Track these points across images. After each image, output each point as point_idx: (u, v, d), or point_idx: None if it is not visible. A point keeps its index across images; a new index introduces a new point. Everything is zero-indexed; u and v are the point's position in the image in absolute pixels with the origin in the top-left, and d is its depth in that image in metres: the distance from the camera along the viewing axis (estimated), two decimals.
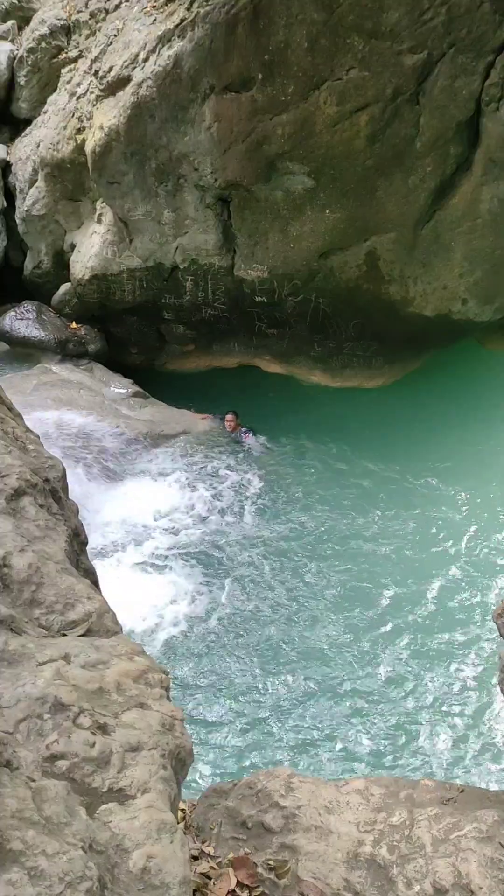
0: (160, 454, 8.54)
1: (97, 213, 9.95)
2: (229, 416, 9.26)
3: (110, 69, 8.95)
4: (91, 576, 2.44)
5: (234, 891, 1.88)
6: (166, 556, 6.91)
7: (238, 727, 5.19)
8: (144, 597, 6.30)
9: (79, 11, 10.54)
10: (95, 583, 2.41)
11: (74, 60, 10.51)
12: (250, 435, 9.19)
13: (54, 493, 2.33)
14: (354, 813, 2.05)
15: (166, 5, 8.44)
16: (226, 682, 5.58)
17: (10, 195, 11.35)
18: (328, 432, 9.22)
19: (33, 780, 1.23)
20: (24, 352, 10.27)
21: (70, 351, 10.24)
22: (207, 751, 4.96)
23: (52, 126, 10.19)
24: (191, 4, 7.94)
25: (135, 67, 8.53)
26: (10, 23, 11.84)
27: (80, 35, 10.54)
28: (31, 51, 10.92)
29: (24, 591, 1.78)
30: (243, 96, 7.80)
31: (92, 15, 10.29)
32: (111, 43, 9.22)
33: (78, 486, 7.14)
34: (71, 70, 10.48)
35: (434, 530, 7.31)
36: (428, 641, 5.92)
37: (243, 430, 9.26)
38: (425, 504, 7.75)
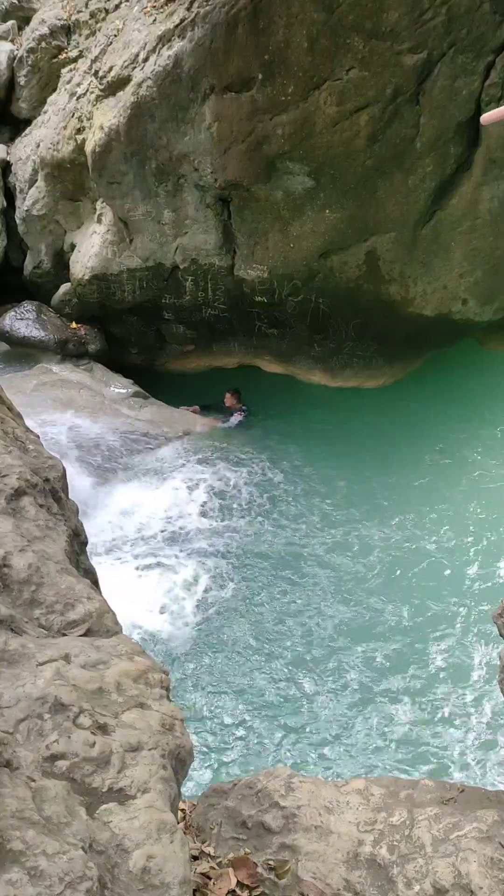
0: (160, 454, 8.54)
1: (97, 213, 9.95)
2: (228, 394, 9.66)
3: (110, 69, 8.95)
4: (91, 576, 2.44)
5: (234, 891, 1.88)
6: (165, 557, 6.91)
7: (238, 727, 5.19)
8: (144, 596, 6.30)
9: (79, 11, 10.54)
10: (95, 583, 2.41)
11: (74, 60, 10.52)
12: (241, 415, 9.49)
13: (54, 493, 2.33)
14: (354, 813, 2.05)
15: (166, 5, 8.45)
16: (226, 681, 5.58)
17: (10, 195, 11.35)
18: (328, 432, 9.23)
19: (33, 780, 1.23)
20: (24, 352, 10.27)
21: (70, 351, 10.24)
22: (207, 751, 4.96)
23: (52, 126, 10.20)
24: (191, 4, 7.95)
25: (135, 67, 8.54)
26: (10, 23, 11.84)
27: (80, 35, 10.55)
28: (31, 51, 10.92)
29: (24, 591, 1.78)
30: (243, 96, 7.81)
31: (92, 15, 10.30)
32: (111, 43, 9.23)
33: (78, 486, 7.15)
34: (71, 70, 10.49)
35: (435, 530, 7.31)
36: (428, 642, 5.91)
37: (242, 407, 9.63)
38: (425, 503, 7.75)
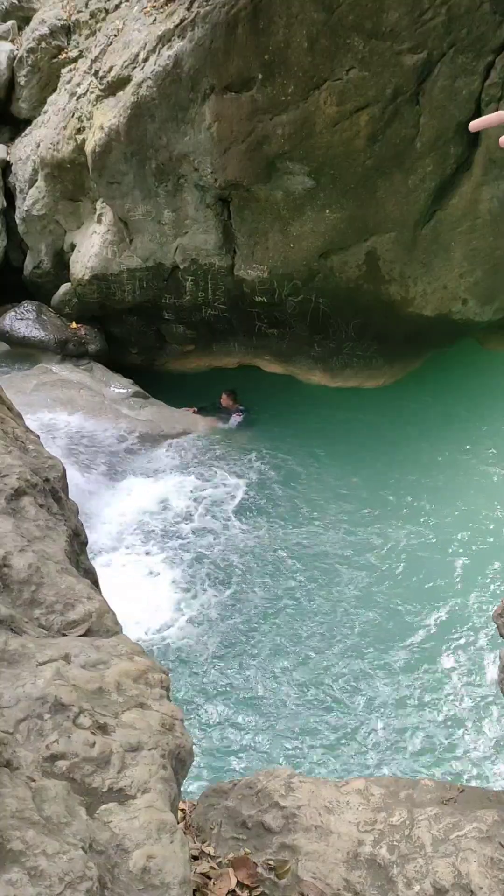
0: (160, 454, 8.54)
1: (97, 213, 9.95)
2: (225, 395, 9.70)
3: (110, 69, 8.95)
4: (91, 576, 2.44)
5: (234, 891, 1.88)
6: (165, 557, 6.91)
7: (238, 727, 5.18)
8: (144, 596, 6.30)
9: (79, 11, 10.54)
10: (95, 583, 2.40)
11: (74, 60, 10.52)
12: (241, 416, 9.50)
13: (54, 492, 2.33)
14: (354, 813, 2.05)
15: (166, 5, 8.45)
16: (226, 681, 5.58)
17: (10, 195, 11.35)
18: (328, 432, 9.23)
19: (33, 780, 1.23)
20: (24, 352, 10.27)
21: (70, 351, 10.24)
22: (207, 751, 4.96)
23: (52, 126, 10.19)
24: (191, 4, 7.95)
25: (135, 67, 8.53)
26: (10, 23, 11.84)
27: (80, 35, 10.54)
28: (31, 51, 10.92)
29: (24, 591, 1.78)
30: (243, 96, 7.80)
31: (92, 15, 10.29)
32: (111, 43, 9.23)
33: (78, 486, 7.15)
34: (71, 70, 10.49)
35: (434, 530, 7.31)
36: (427, 643, 5.91)
37: (239, 408, 9.63)
38: (426, 502, 7.75)
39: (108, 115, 8.83)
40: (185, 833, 1.87)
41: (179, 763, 1.52)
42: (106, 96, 9.08)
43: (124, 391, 9.78)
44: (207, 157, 8.29)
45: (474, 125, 1.19)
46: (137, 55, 8.52)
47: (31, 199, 10.71)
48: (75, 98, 9.87)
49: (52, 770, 1.29)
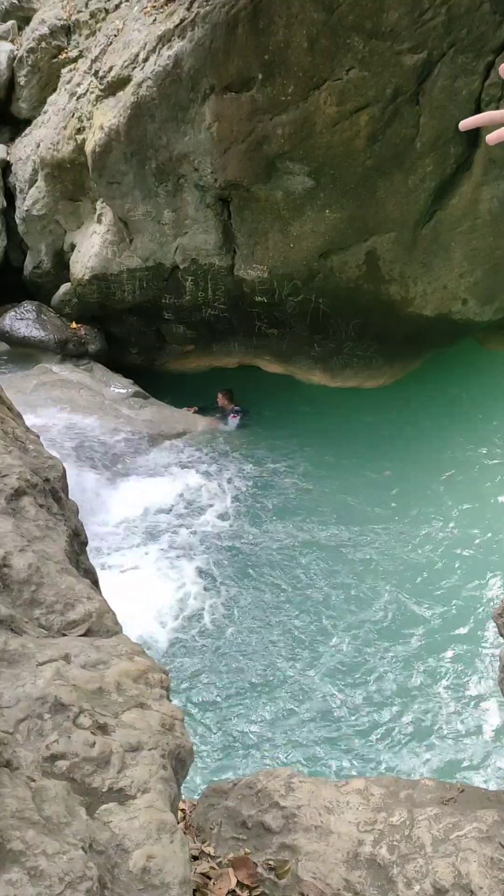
0: (160, 454, 8.54)
1: (97, 213, 9.95)
2: (220, 394, 9.73)
3: (110, 69, 8.96)
4: (91, 576, 2.44)
5: (234, 891, 1.88)
6: (164, 558, 6.91)
7: (238, 727, 5.18)
8: (143, 596, 6.29)
9: (79, 11, 10.54)
10: (95, 583, 2.40)
11: (74, 60, 10.52)
12: (237, 417, 9.45)
13: (54, 493, 2.33)
14: (354, 813, 2.05)
15: (166, 5, 8.45)
16: (226, 682, 5.58)
17: (10, 195, 11.36)
18: (328, 432, 9.24)
19: (33, 780, 1.23)
20: (24, 352, 10.28)
21: (70, 351, 10.25)
22: (207, 751, 4.96)
23: (52, 126, 10.20)
24: (191, 4, 7.95)
25: (135, 67, 8.54)
26: (10, 23, 11.85)
27: (80, 35, 10.55)
28: (31, 51, 10.92)
29: (24, 591, 1.78)
30: (243, 96, 7.80)
31: (92, 15, 10.30)
32: (111, 43, 9.23)
33: (78, 486, 7.15)
34: (71, 70, 10.49)
35: (434, 530, 7.31)
36: (427, 643, 5.91)
37: (235, 408, 9.63)
38: (425, 503, 7.75)
39: (108, 115, 8.83)
40: (185, 833, 1.87)
41: (179, 763, 1.52)
42: (106, 96, 9.09)
43: (124, 391, 9.78)
44: (207, 157, 8.29)
45: (464, 124, 1.20)
46: (137, 55, 8.52)
47: (31, 199, 10.71)
48: (75, 98, 9.87)
49: (52, 770, 1.29)
